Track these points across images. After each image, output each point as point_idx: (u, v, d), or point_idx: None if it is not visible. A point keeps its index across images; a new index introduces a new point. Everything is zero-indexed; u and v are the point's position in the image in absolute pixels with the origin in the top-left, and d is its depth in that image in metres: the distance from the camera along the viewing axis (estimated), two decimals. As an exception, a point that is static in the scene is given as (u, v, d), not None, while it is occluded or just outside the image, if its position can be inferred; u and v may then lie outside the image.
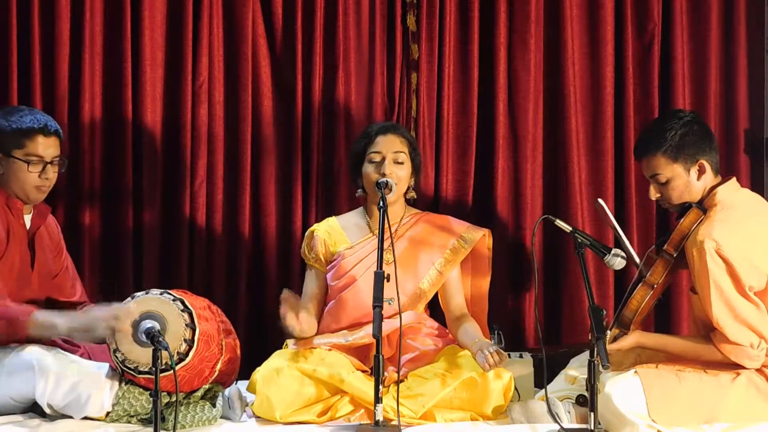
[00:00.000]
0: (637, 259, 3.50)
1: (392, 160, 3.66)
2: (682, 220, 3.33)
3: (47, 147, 3.44)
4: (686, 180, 3.36)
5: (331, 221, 3.86)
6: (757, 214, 3.34)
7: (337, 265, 3.73)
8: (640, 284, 3.36)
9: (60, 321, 3.21)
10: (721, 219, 3.25)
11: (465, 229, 3.79)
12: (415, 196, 3.83)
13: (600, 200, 3.55)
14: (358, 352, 3.60)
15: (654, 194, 3.43)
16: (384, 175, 3.62)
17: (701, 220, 3.30)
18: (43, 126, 3.44)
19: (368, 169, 3.68)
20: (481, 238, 3.79)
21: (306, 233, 3.86)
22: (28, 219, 3.54)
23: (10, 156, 3.43)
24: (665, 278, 3.36)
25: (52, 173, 3.47)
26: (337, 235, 3.78)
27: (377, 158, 3.67)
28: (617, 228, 3.50)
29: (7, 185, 3.46)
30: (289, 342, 3.62)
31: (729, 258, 3.18)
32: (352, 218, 3.85)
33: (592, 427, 3.04)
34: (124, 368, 3.21)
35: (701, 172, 3.36)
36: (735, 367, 3.25)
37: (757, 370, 3.26)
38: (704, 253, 3.19)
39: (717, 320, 3.20)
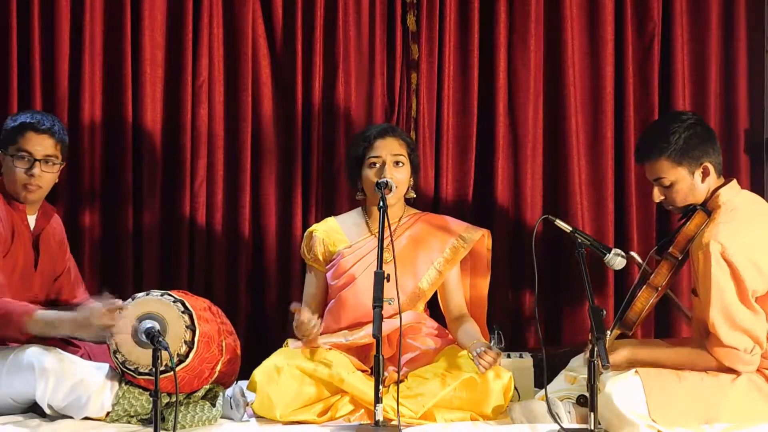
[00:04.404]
0: (641, 260, 3.51)
1: (392, 164, 3.66)
2: (687, 222, 3.33)
3: (36, 144, 3.43)
4: (690, 183, 3.35)
5: (330, 221, 3.86)
6: (760, 216, 3.33)
7: (336, 265, 3.73)
8: (644, 286, 3.36)
9: (61, 319, 3.20)
10: (726, 221, 3.24)
11: (464, 229, 3.79)
12: (415, 196, 3.83)
13: (633, 252, 3.54)
14: (358, 351, 3.60)
15: (657, 197, 3.41)
16: (384, 178, 3.62)
17: (706, 223, 3.29)
18: (35, 122, 3.44)
19: (368, 173, 3.67)
20: (480, 238, 3.78)
21: (305, 233, 3.86)
22: (32, 219, 3.54)
23: (6, 152, 3.44)
24: (669, 280, 3.36)
25: (40, 172, 3.44)
26: (336, 234, 3.79)
27: (377, 162, 3.67)
28: (639, 261, 3.51)
29: (6, 184, 3.47)
30: (290, 341, 3.61)
31: (734, 261, 3.17)
32: (351, 218, 3.85)
33: (592, 427, 3.04)
34: (125, 369, 3.21)
35: (705, 174, 3.34)
36: (730, 369, 3.24)
37: (758, 370, 3.25)
38: (709, 256, 3.18)
39: (713, 323, 3.19)
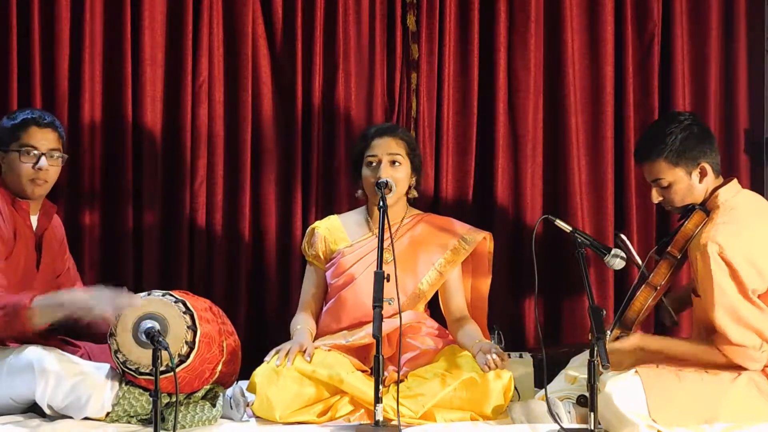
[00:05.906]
0: (640, 261, 3.50)
1: (388, 163, 3.66)
2: (685, 222, 3.33)
3: (41, 138, 3.45)
4: (688, 183, 3.35)
5: (333, 219, 3.86)
6: (759, 216, 3.33)
7: (336, 263, 3.73)
8: (643, 286, 3.36)
9: (62, 298, 3.17)
10: (724, 221, 3.24)
11: (466, 231, 3.79)
12: (417, 195, 3.83)
13: (622, 235, 3.54)
14: (358, 352, 3.60)
15: (656, 198, 3.42)
16: (381, 177, 3.62)
17: (705, 222, 3.29)
18: (37, 117, 3.47)
19: (366, 172, 3.68)
20: (482, 240, 3.78)
21: (307, 230, 3.87)
22: (34, 220, 3.54)
23: (8, 150, 3.44)
24: (668, 280, 3.36)
25: (48, 166, 3.45)
26: (338, 233, 3.79)
27: (373, 161, 3.67)
28: (639, 262, 3.51)
29: (9, 183, 3.46)
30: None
31: (732, 261, 3.17)
32: (354, 217, 3.85)
33: (592, 427, 3.04)
34: (125, 369, 3.21)
35: (703, 174, 3.35)
36: (736, 367, 3.24)
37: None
38: (707, 256, 3.18)
39: (719, 323, 3.19)
